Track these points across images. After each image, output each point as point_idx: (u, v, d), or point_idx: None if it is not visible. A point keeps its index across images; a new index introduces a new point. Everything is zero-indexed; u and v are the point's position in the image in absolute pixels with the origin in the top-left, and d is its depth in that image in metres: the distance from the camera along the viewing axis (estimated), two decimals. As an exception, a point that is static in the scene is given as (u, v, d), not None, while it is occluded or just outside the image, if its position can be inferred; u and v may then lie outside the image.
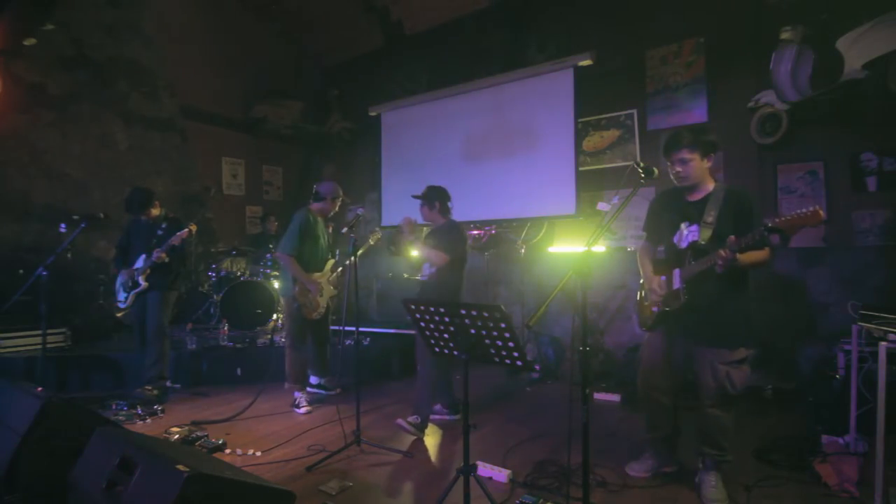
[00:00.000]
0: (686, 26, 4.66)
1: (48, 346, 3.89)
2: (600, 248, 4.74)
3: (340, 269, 4.08)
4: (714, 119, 4.51)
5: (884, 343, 2.34)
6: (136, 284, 3.94)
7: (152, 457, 1.77)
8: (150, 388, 3.91)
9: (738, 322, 2.36)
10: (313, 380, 4.17)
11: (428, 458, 3.05)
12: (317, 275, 3.90)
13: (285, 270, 3.91)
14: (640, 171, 2.17)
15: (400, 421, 3.27)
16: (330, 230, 4.13)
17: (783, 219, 1.97)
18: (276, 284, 5.42)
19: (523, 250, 5.22)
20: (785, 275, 4.15)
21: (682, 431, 2.67)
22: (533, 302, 5.24)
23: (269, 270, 5.62)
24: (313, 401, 3.94)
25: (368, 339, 5.06)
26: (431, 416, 3.44)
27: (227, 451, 3.02)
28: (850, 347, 2.86)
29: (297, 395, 3.85)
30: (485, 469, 2.66)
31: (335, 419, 3.28)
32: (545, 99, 5.25)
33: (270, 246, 5.98)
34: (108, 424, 2.34)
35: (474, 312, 1.97)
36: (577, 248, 4.73)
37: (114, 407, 3.68)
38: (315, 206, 3.96)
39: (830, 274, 4.00)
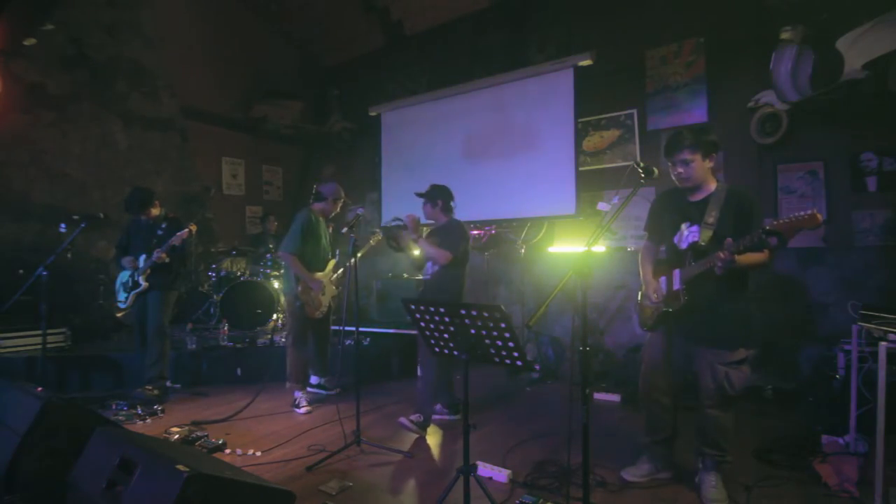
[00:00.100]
0: (686, 26, 4.66)
1: (48, 346, 3.89)
2: (600, 248, 4.73)
3: (342, 269, 4.09)
4: (714, 119, 4.51)
5: (884, 343, 2.34)
6: (137, 284, 3.94)
7: (152, 457, 1.77)
8: (150, 388, 3.91)
9: (738, 323, 2.36)
10: (313, 380, 4.17)
11: (428, 457, 3.05)
12: (319, 274, 3.91)
13: (288, 269, 3.92)
14: (640, 171, 2.17)
15: (402, 419, 3.28)
16: (330, 230, 4.14)
17: (780, 221, 1.98)
18: (276, 284, 5.43)
19: (523, 250, 5.22)
20: (785, 275, 4.15)
21: (681, 435, 2.66)
22: (533, 302, 5.24)
23: (269, 270, 5.62)
24: (313, 401, 3.95)
25: (368, 339, 5.06)
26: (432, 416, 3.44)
27: (227, 451, 3.02)
28: (850, 347, 2.86)
29: (298, 394, 3.86)
30: (485, 469, 2.66)
31: (335, 419, 3.28)
32: (545, 99, 5.25)
33: (270, 246, 5.98)
34: (108, 424, 2.34)
35: (474, 312, 1.97)
36: (577, 248, 4.73)
37: (114, 407, 3.68)
38: (317, 206, 3.98)
39: (830, 274, 3.99)
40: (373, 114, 6.74)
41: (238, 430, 3.42)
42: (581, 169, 5.07)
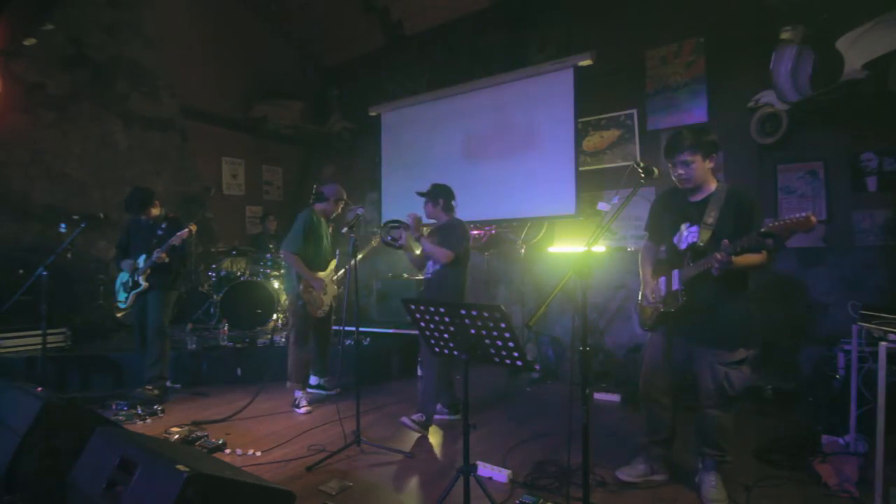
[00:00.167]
0: (686, 26, 4.66)
1: (48, 346, 3.89)
2: (600, 248, 4.74)
3: (343, 269, 4.10)
4: (714, 119, 4.51)
5: (884, 343, 2.34)
6: (137, 284, 3.94)
7: (152, 457, 1.77)
8: (150, 388, 3.91)
9: (738, 323, 2.36)
10: (313, 380, 4.17)
11: (428, 457, 3.05)
12: (321, 274, 3.93)
13: (290, 268, 3.93)
14: (640, 171, 2.17)
15: (405, 419, 3.29)
16: (330, 230, 4.15)
17: (776, 224, 1.99)
18: (276, 284, 5.43)
19: (523, 250, 5.22)
20: (785, 275, 4.14)
21: (679, 436, 2.65)
22: (533, 302, 5.24)
23: (269, 270, 5.62)
24: (313, 401, 3.95)
25: (368, 339, 5.06)
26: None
27: (227, 451, 3.02)
28: (851, 347, 2.86)
29: (298, 394, 3.86)
30: (485, 469, 2.66)
31: (335, 419, 3.28)
32: (545, 99, 5.25)
33: (270, 246, 5.98)
34: (108, 424, 2.34)
35: (474, 312, 1.97)
36: (577, 248, 4.73)
37: (114, 407, 3.68)
38: (318, 206, 4.00)
39: (830, 274, 3.99)
40: (373, 114, 6.74)
41: (238, 430, 3.42)
42: (581, 169, 5.06)
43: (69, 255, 4.83)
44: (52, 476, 2.11)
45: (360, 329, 3.26)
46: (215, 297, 5.51)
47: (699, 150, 2.35)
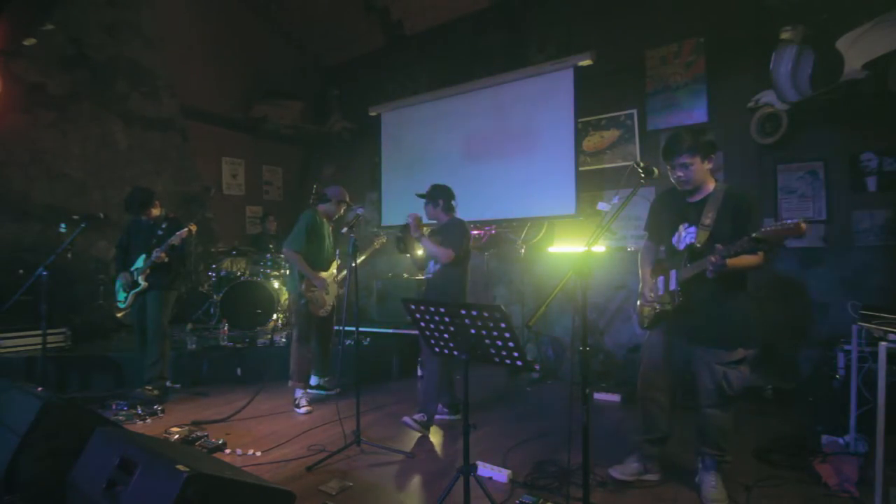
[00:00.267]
0: (686, 26, 4.65)
1: (48, 346, 3.89)
2: (600, 248, 4.74)
3: (345, 271, 4.10)
4: (714, 119, 4.51)
5: (884, 343, 2.34)
6: (136, 284, 3.94)
7: (152, 457, 1.77)
8: (150, 388, 3.92)
9: (736, 323, 2.36)
10: (313, 380, 4.17)
11: (428, 457, 3.05)
12: (323, 274, 3.94)
13: (292, 268, 3.94)
14: (640, 171, 2.18)
15: (406, 419, 3.29)
16: (331, 230, 4.15)
17: (767, 230, 2.01)
18: (276, 284, 5.44)
19: (523, 250, 5.22)
20: (785, 275, 4.14)
21: (674, 436, 2.65)
22: (533, 302, 5.24)
23: (269, 270, 5.62)
24: (313, 400, 3.95)
25: (368, 339, 5.06)
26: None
27: (227, 451, 3.02)
28: (851, 347, 2.87)
29: (298, 393, 3.86)
30: (485, 469, 2.67)
31: (335, 419, 3.28)
32: (545, 99, 5.25)
33: (270, 246, 5.98)
34: (108, 424, 2.34)
35: (474, 312, 1.97)
36: (577, 248, 4.73)
37: (114, 407, 3.68)
38: (321, 207, 4.02)
39: (830, 274, 3.99)
40: (373, 114, 6.73)
41: (238, 430, 3.42)
42: (581, 169, 5.06)
43: (69, 255, 4.83)
44: (52, 476, 2.11)
45: (361, 329, 3.26)
46: (215, 297, 5.52)
47: (698, 151, 2.35)
